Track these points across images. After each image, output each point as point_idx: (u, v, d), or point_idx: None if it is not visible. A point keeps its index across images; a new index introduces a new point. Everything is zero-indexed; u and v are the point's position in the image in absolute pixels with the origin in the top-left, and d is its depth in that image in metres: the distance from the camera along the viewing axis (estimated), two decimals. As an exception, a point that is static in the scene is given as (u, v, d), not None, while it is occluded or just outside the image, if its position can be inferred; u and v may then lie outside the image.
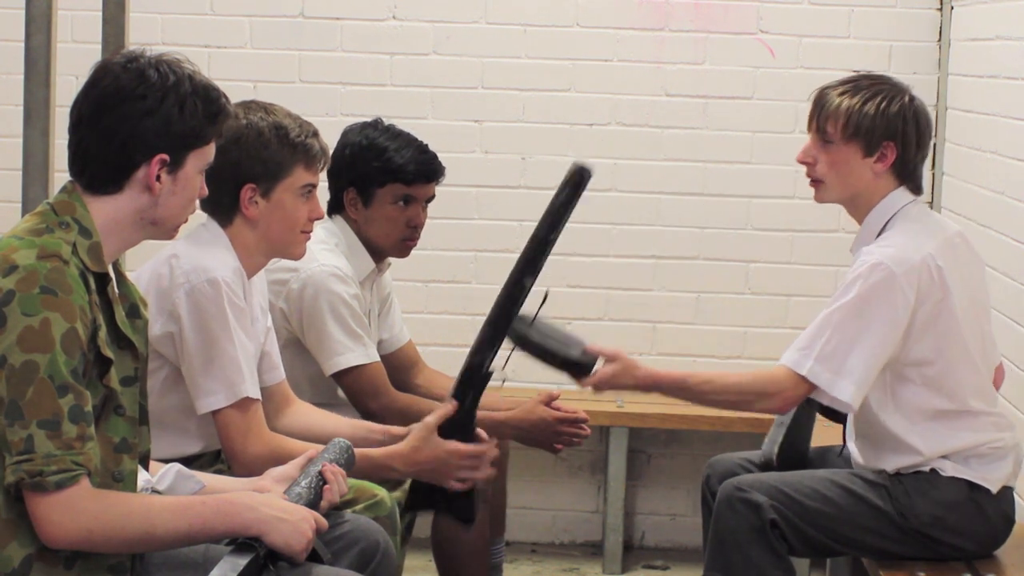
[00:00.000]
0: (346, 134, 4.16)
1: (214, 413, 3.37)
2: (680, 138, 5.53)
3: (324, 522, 2.81)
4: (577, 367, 3.55)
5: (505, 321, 3.45)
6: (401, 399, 4.06)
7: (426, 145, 4.16)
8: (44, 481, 2.56)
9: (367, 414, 4.04)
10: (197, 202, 2.88)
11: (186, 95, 2.74)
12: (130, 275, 2.93)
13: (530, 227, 5.71)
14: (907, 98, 3.60)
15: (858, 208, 3.68)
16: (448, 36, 5.53)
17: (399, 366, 4.30)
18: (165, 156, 2.73)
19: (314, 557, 2.81)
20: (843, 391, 3.46)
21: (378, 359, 4.03)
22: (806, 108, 5.44)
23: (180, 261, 3.39)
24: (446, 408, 3.50)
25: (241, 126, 3.45)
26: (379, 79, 5.53)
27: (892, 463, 3.58)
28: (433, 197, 4.20)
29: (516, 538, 5.51)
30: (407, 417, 4.03)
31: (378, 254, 4.15)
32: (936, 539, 3.55)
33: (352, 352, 3.95)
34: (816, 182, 3.67)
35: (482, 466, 3.50)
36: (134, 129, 2.71)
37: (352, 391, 4.00)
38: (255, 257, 3.52)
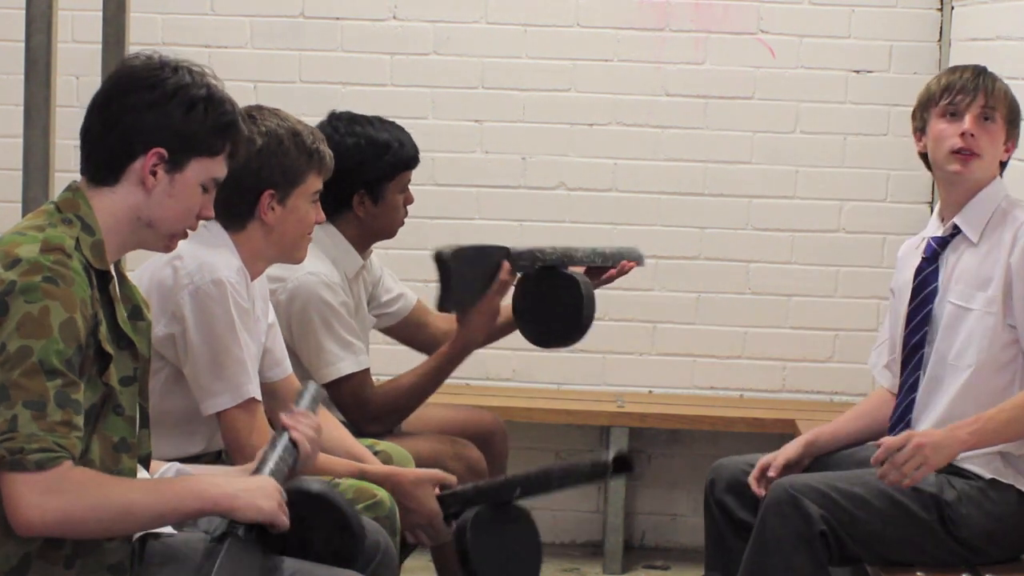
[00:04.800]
0: (327, 138, 4.10)
1: (219, 413, 3.38)
2: (680, 138, 5.53)
3: (277, 486, 2.81)
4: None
5: (488, 497, 3.49)
6: (377, 403, 4.03)
7: (395, 122, 4.17)
8: (24, 459, 2.53)
9: (351, 422, 4.02)
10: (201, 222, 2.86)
11: (196, 99, 2.74)
12: (130, 275, 2.93)
13: (530, 227, 5.74)
14: None
15: (971, 188, 3.67)
16: (448, 36, 5.53)
17: (419, 323, 4.30)
18: (162, 151, 2.73)
19: (317, 506, 2.83)
20: None
21: (368, 364, 4.02)
22: (806, 108, 5.50)
23: (184, 262, 3.39)
24: (452, 479, 3.59)
25: (261, 132, 3.46)
26: (379, 79, 5.53)
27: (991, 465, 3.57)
28: None
29: (516, 538, 5.50)
30: (384, 422, 4.03)
31: (367, 246, 4.14)
32: (981, 550, 3.53)
33: (344, 361, 3.95)
34: (973, 156, 3.64)
35: (438, 540, 3.59)
36: (136, 119, 2.72)
37: (340, 400, 3.98)
38: (258, 262, 3.53)
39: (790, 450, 3.80)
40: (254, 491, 2.75)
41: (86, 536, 2.65)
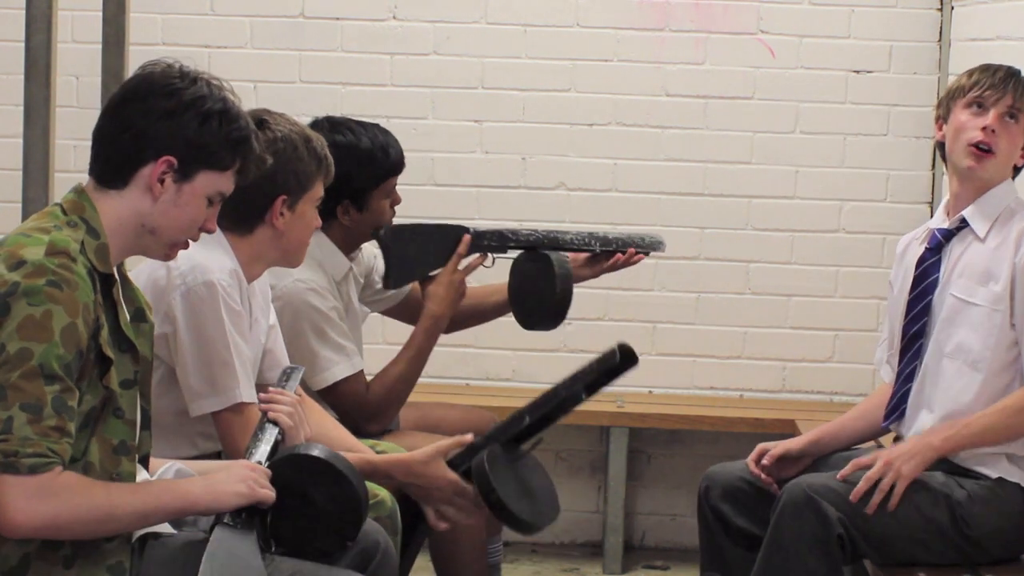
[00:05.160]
0: None
1: (214, 415, 3.38)
2: (680, 138, 5.53)
3: (252, 466, 2.86)
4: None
5: (497, 438, 3.38)
6: (373, 401, 4.02)
7: (380, 125, 4.12)
8: (18, 463, 2.54)
9: (351, 424, 4.01)
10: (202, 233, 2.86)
11: (211, 112, 2.75)
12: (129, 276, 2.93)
13: (530, 227, 5.72)
14: None
15: (981, 185, 3.66)
16: (448, 36, 5.53)
17: (419, 302, 4.27)
18: (172, 159, 2.73)
19: (316, 469, 2.85)
20: None
21: (361, 366, 4.02)
22: (806, 108, 5.50)
23: (177, 263, 3.37)
24: (462, 439, 3.47)
25: (277, 138, 3.45)
26: (379, 79, 5.53)
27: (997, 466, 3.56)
28: None
29: (516, 538, 5.49)
30: (383, 418, 4.03)
31: (354, 248, 4.12)
32: (989, 548, 3.53)
33: (338, 366, 3.94)
34: (988, 153, 3.63)
35: (469, 510, 3.46)
36: (150, 125, 2.72)
37: (338, 404, 3.97)
38: (258, 265, 3.52)
39: (790, 443, 3.81)
40: (224, 480, 2.78)
41: (70, 538, 2.66)
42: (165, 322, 3.37)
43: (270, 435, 2.99)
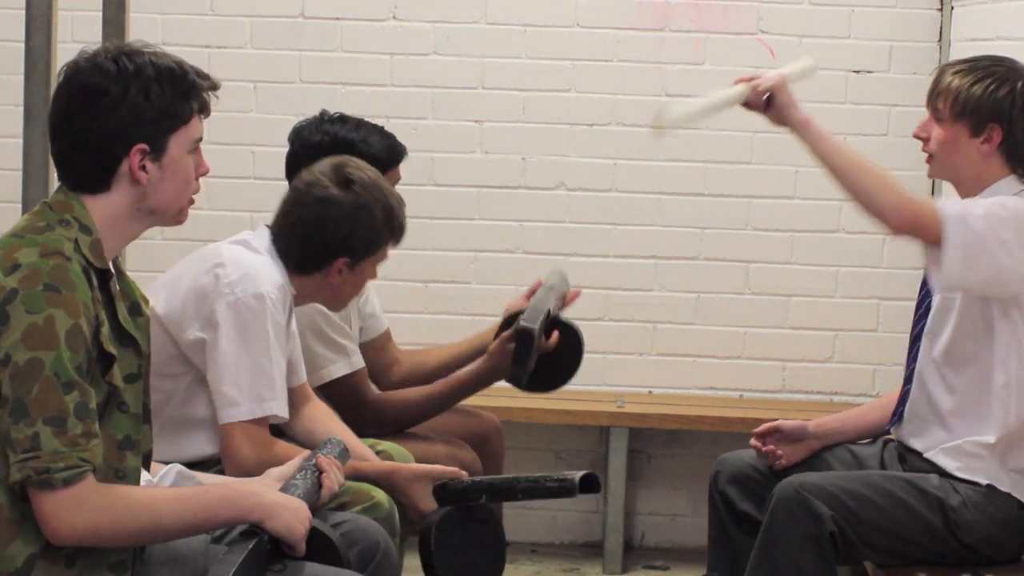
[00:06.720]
0: (298, 132, 4.03)
1: (228, 423, 3.37)
2: (680, 138, 5.53)
3: (309, 514, 2.86)
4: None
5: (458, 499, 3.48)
6: (375, 407, 4.00)
7: (383, 127, 4.08)
8: (51, 478, 2.55)
9: (348, 423, 4.00)
10: (200, 181, 2.83)
11: (149, 80, 2.70)
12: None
13: (530, 227, 5.73)
14: (1020, 84, 3.53)
15: (967, 189, 3.61)
16: (448, 36, 5.53)
17: (381, 347, 4.26)
18: (143, 145, 2.70)
19: (323, 546, 2.85)
20: (954, 230, 3.38)
21: (361, 365, 4.00)
22: (806, 108, 5.48)
23: (227, 270, 3.39)
24: (455, 472, 3.54)
25: (360, 204, 3.48)
26: (379, 79, 5.53)
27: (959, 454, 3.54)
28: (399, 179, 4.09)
29: (516, 538, 5.50)
30: (382, 428, 4.01)
31: None
32: (981, 553, 3.53)
33: (335, 364, 3.93)
34: (929, 157, 3.63)
35: None
36: (104, 126, 2.68)
37: (334, 402, 3.96)
38: (298, 300, 3.57)
39: (790, 421, 3.83)
40: (293, 510, 2.80)
41: (119, 546, 2.68)
42: (207, 327, 3.38)
43: (314, 490, 2.99)
